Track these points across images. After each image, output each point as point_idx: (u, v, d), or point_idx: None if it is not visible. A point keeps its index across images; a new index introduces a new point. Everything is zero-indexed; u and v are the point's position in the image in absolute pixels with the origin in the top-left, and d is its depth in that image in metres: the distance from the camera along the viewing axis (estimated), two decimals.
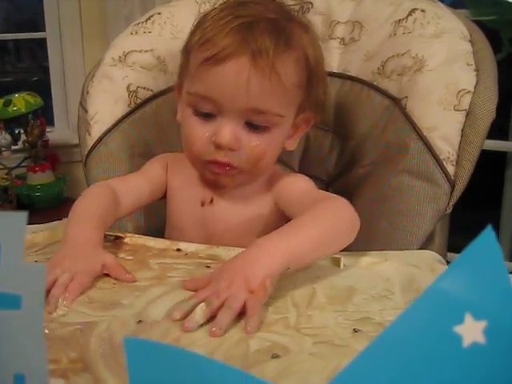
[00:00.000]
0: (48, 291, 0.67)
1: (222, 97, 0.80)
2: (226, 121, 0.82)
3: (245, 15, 0.81)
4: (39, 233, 0.89)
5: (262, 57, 0.78)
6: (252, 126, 0.82)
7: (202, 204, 0.91)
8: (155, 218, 1.06)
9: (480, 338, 0.28)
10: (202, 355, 0.36)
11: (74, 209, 0.83)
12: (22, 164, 2.38)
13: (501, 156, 2.04)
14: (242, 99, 0.80)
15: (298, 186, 0.89)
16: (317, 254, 0.73)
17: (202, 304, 0.62)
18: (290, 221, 0.77)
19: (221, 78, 0.80)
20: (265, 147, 0.84)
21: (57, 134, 2.54)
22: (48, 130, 2.42)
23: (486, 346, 0.28)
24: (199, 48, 0.82)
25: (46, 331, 0.60)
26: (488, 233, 0.29)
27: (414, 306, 0.29)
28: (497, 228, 2.13)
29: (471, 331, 0.28)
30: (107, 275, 0.73)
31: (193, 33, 0.87)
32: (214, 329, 0.59)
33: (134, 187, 0.92)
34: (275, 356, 0.55)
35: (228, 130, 0.81)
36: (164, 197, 0.96)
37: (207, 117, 0.83)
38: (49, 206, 2.26)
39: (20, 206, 2.25)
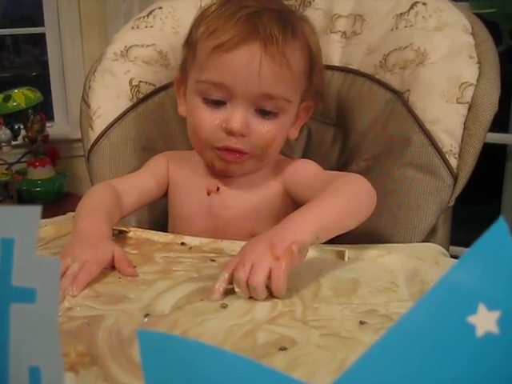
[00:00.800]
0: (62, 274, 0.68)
1: (235, 83, 0.82)
2: (237, 107, 0.83)
3: (250, 5, 0.83)
4: (43, 227, 0.89)
5: (273, 43, 0.81)
6: (262, 113, 0.84)
7: (208, 193, 0.92)
8: (158, 212, 1.06)
9: (493, 328, 0.28)
10: (214, 346, 0.36)
11: (81, 205, 0.85)
12: (22, 159, 2.38)
13: (501, 149, 2.04)
14: (254, 85, 0.81)
15: (309, 169, 0.91)
16: (343, 224, 0.74)
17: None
18: (299, 206, 0.77)
19: (233, 65, 0.81)
20: (275, 133, 0.86)
21: (57, 128, 2.54)
22: (48, 124, 2.42)
23: (500, 336, 0.28)
24: (208, 37, 0.83)
25: None
26: (500, 224, 0.29)
27: (427, 297, 0.30)
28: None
29: (484, 321, 0.28)
30: (113, 268, 0.74)
31: (196, 26, 0.88)
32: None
33: (136, 186, 0.93)
34: (283, 348, 0.55)
35: (239, 116, 0.83)
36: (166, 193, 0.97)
37: (217, 104, 0.84)
38: (49, 201, 2.26)
39: (20, 201, 2.25)
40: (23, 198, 2.29)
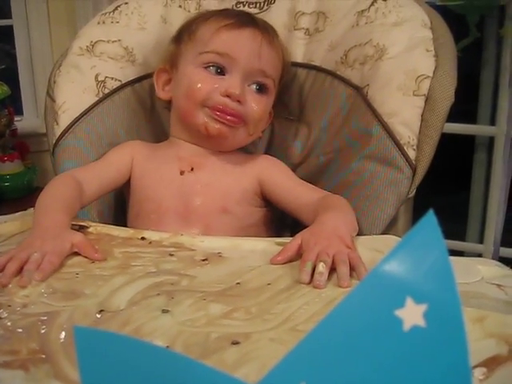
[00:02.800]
0: (21, 268, 0.70)
1: (239, 55, 0.93)
2: (236, 78, 0.93)
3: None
4: (4, 224, 0.88)
5: (269, 33, 0.98)
6: (255, 88, 0.96)
7: (181, 173, 0.96)
8: (121, 204, 1.06)
9: (420, 321, 0.28)
10: (154, 344, 0.36)
11: (40, 199, 0.86)
12: None
13: (469, 140, 2.06)
14: (254, 60, 0.94)
15: (282, 169, 1.00)
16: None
17: (321, 262, 0.69)
18: (267, 200, 0.98)
19: (239, 39, 0.94)
20: (264, 107, 0.97)
21: (26, 122, 2.50)
22: (17, 118, 2.38)
23: (426, 329, 0.28)
24: (212, 20, 0.97)
25: (8, 323, 0.60)
26: (429, 217, 0.30)
27: (357, 290, 0.30)
28: (466, 211, 2.15)
29: (412, 315, 0.29)
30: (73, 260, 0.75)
31: (192, 20, 1.01)
32: (341, 282, 0.67)
33: (97, 174, 0.95)
34: (235, 342, 0.55)
35: (239, 83, 0.93)
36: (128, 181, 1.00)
37: (217, 73, 0.94)
38: (19, 196, 2.23)
39: None
40: None
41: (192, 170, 0.97)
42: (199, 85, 0.94)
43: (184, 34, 1.00)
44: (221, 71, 0.94)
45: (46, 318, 0.60)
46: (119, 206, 1.05)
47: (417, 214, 0.97)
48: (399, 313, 0.29)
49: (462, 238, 2.10)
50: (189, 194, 0.95)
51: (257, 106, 0.95)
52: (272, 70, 0.96)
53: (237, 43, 0.94)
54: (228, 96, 0.92)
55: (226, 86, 0.92)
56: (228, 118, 0.93)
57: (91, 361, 0.32)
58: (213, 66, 0.94)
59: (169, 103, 1.04)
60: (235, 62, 0.93)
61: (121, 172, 0.99)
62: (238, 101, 0.92)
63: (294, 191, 0.95)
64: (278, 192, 0.96)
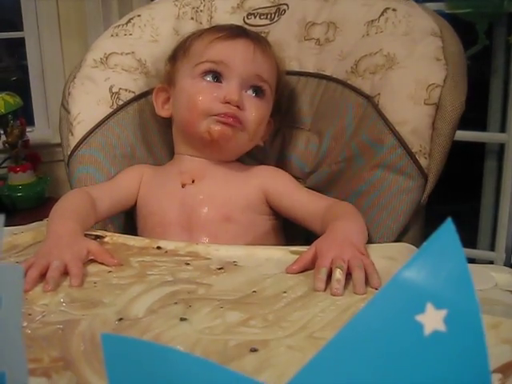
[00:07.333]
0: (42, 274, 0.72)
1: (234, 62, 0.96)
2: (234, 84, 0.96)
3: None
4: (20, 234, 0.89)
5: (261, 42, 1.01)
6: (252, 92, 0.98)
7: (183, 186, 0.98)
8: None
9: (441, 326, 0.29)
10: (180, 350, 0.37)
11: (54, 210, 0.87)
12: (3, 165, 2.36)
13: (480, 147, 2.06)
14: (249, 65, 0.97)
15: (286, 179, 1.00)
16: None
17: (337, 268, 0.70)
18: (272, 207, 0.99)
19: (233, 48, 0.98)
20: (263, 111, 0.99)
21: (37, 133, 2.52)
22: (28, 129, 2.40)
23: (447, 334, 0.29)
24: (205, 35, 1.01)
25: (28, 331, 0.61)
26: (448, 224, 0.30)
27: (377, 297, 0.31)
28: (477, 218, 2.15)
29: (432, 320, 0.29)
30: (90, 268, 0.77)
31: (186, 39, 1.04)
32: (357, 288, 0.68)
33: (109, 193, 0.97)
34: (253, 350, 0.56)
35: (236, 89, 0.95)
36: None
37: (214, 81, 0.97)
38: (31, 206, 2.25)
39: (1, 206, 2.24)
40: (4, 203, 2.27)
41: (193, 182, 0.98)
42: (199, 96, 0.96)
43: (179, 51, 1.04)
44: (217, 79, 0.97)
45: (65, 326, 0.61)
46: (133, 224, 1.06)
47: (428, 221, 0.98)
48: (420, 318, 0.29)
49: (474, 246, 2.10)
50: (191, 205, 0.96)
51: (255, 110, 0.97)
52: (267, 75, 0.99)
53: (231, 51, 0.97)
54: (227, 102, 0.94)
55: (224, 93, 0.95)
56: (230, 119, 0.95)
57: (119, 367, 0.33)
58: (209, 73, 0.97)
59: (169, 121, 1.06)
60: (230, 68, 0.96)
61: (130, 192, 1.01)
62: (237, 106, 0.95)
63: (299, 200, 0.95)
64: (283, 201, 0.97)
